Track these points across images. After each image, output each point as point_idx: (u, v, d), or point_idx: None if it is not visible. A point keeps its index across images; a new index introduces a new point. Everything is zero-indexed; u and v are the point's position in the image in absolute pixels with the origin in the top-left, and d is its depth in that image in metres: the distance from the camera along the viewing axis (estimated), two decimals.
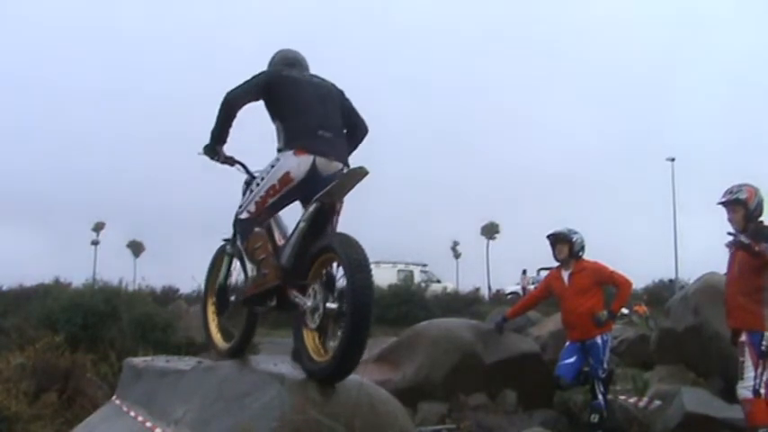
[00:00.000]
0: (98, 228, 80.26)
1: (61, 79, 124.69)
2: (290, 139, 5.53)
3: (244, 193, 5.94)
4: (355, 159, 5.77)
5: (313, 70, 6.13)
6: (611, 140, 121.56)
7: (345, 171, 5.24)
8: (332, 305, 4.83)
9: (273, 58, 6.17)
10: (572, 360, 9.10)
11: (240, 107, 5.78)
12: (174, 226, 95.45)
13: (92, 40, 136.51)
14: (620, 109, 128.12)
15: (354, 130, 5.96)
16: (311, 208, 5.36)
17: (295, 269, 5.31)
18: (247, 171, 6.05)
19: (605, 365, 9.02)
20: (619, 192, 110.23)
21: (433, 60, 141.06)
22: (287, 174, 5.42)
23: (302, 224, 5.39)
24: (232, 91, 5.72)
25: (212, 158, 5.92)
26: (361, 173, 5.19)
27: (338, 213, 5.50)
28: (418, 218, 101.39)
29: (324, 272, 5.05)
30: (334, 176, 5.35)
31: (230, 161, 6.03)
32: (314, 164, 5.37)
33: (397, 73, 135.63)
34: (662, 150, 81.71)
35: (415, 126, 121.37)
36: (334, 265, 4.97)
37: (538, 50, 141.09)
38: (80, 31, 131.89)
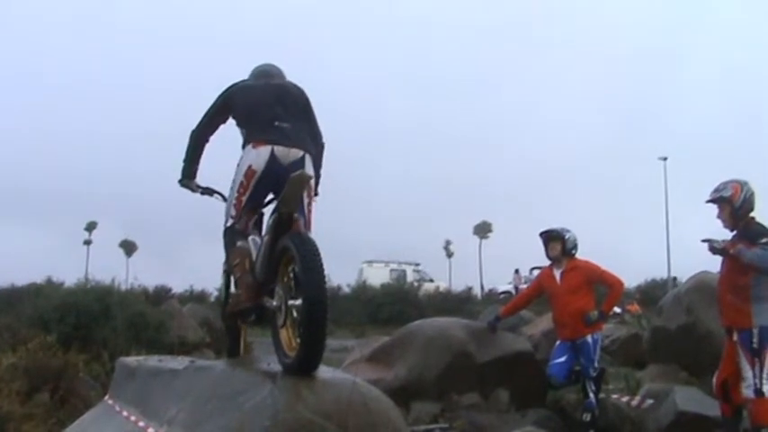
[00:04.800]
0: (90, 227, 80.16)
1: (53, 75, 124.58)
2: (248, 135, 5.69)
3: None
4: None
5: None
6: (604, 140, 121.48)
7: (288, 180, 5.25)
8: (294, 301, 4.87)
9: (249, 74, 6.26)
10: (563, 359, 9.12)
11: (207, 139, 6.08)
12: (167, 225, 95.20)
13: (83, 34, 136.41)
14: (613, 108, 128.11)
15: (312, 139, 5.94)
16: (270, 221, 5.41)
17: (266, 279, 5.36)
18: (225, 200, 6.09)
19: (596, 364, 9.07)
20: (611, 191, 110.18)
21: (427, 60, 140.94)
22: (249, 167, 5.55)
23: (266, 237, 5.43)
24: (196, 126, 5.99)
25: (189, 191, 6.13)
26: (302, 178, 5.21)
27: (309, 209, 5.60)
28: (411, 217, 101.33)
29: (287, 272, 5.09)
30: (295, 164, 5.45)
31: (208, 192, 6.18)
32: (272, 153, 5.47)
33: (393, 72, 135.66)
34: (654, 149, 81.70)
35: (407, 125, 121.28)
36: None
37: (530, 51, 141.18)
38: (70, 26, 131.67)
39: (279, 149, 5.49)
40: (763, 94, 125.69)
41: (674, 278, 45.69)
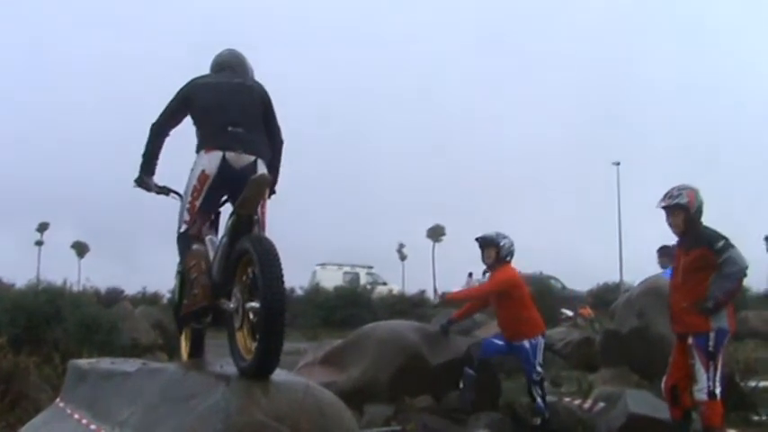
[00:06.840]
0: (42, 228, 79.49)
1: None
2: (202, 139, 5.73)
3: None
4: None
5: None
6: (557, 144, 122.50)
7: (248, 182, 5.25)
8: (252, 303, 4.86)
9: (211, 62, 6.29)
10: (500, 343, 9.28)
11: (166, 133, 6.03)
12: (120, 227, 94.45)
13: (27, 32, 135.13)
14: (567, 113, 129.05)
15: (270, 137, 6.00)
16: (229, 222, 5.45)
17: (224, 281, 5.36)
18: (182, 199, 6.07)
19: (538, 369, 9.07)
20: (564, 196, 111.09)
21: (384, 64, 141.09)
22: (202, 172, 5.61)
23: (224, 239, 5.47)
24: (155, 120, 5.95)
25: (145, 190, 6.08)
26: (261, 181, 5.24)
27: (263, 210, 5.60)
28: (364, 220, 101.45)
29: (245, 274, 5.09)
30: (247, 169, 5.53)
31: (164, 191, 6.17)
32: (224, 159, 5.55)
33: (352, 75, 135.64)
34: (607, 154, 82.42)
35: (361, 128, 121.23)
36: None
37: (484, 55, 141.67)
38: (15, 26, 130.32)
39: (230, 155, 5.55)
40: (715, 100, 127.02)
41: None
